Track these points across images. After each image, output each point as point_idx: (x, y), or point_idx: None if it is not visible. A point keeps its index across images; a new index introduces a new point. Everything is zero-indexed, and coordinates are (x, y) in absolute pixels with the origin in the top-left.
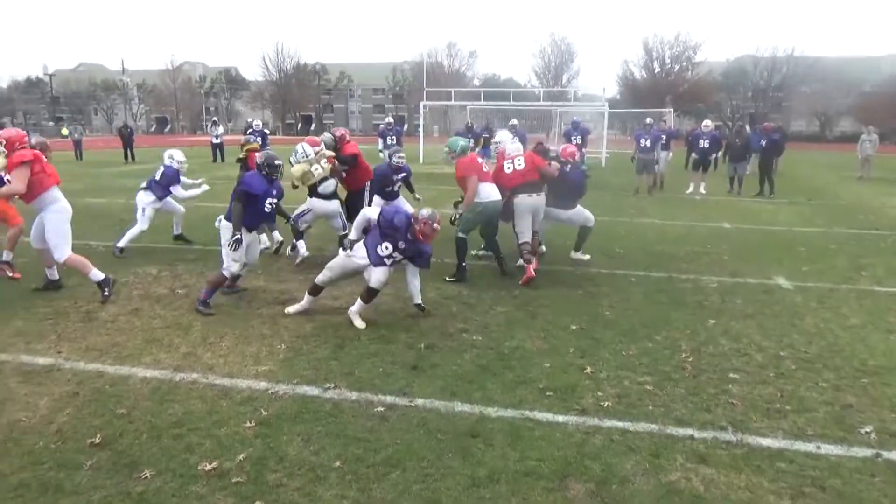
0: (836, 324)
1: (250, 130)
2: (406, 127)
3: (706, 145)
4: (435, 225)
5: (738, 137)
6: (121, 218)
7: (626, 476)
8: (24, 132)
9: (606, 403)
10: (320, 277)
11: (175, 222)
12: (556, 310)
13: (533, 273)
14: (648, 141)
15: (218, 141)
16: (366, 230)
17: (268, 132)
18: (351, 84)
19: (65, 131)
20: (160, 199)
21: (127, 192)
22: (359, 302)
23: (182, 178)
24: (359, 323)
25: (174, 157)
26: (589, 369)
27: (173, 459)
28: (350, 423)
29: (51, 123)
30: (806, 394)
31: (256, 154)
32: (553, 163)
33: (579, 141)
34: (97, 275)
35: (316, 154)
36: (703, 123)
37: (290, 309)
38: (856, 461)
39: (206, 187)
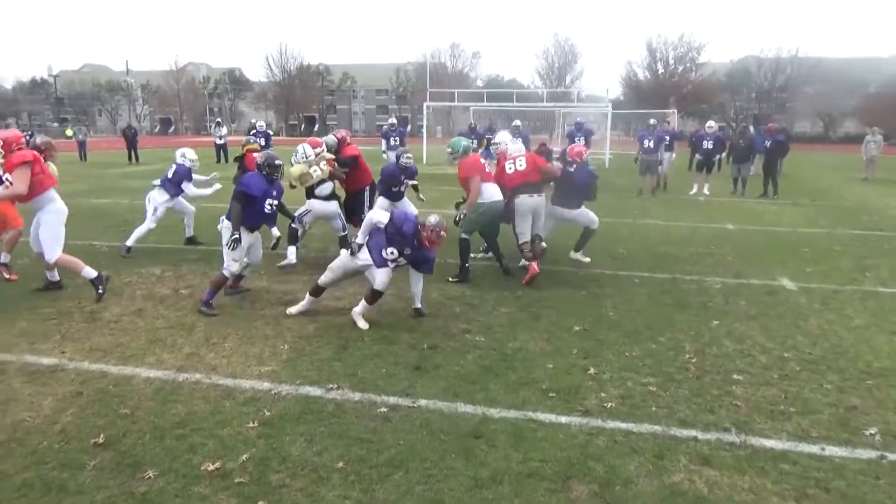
0: (841, 325)
1: (254, 131)
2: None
3: (710, 146)
4: (442, 233)
5: (741, 138)
6: (124, 218)
7: (629, 477)
8: (22, 133)
9: (610, 405)
10: (323, 279)
11: (186, 224)
12: (559, 311)
13: (537, 269)
14: (652, 142)
15: (222, 142)
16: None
17: (271, 133)
18: (354, 85)
19: (69, 132)
20: (173, 197)
21: (131, 193)
22: (362, 303)
23: (194, 176)
24: (362, 324)
25: (186, 155)
26: (592, 370)
27: (176, 460)
28: (353, 424)
29: (55, 124)
30: (810, 395)
31: (257, 154)
32: (555, 163)
33: (582, 142)
34: (90, 272)
35: (316, 156)
36: (707, 124)
37: (292, 310)
38: (860, 463)
39: (218, 185)
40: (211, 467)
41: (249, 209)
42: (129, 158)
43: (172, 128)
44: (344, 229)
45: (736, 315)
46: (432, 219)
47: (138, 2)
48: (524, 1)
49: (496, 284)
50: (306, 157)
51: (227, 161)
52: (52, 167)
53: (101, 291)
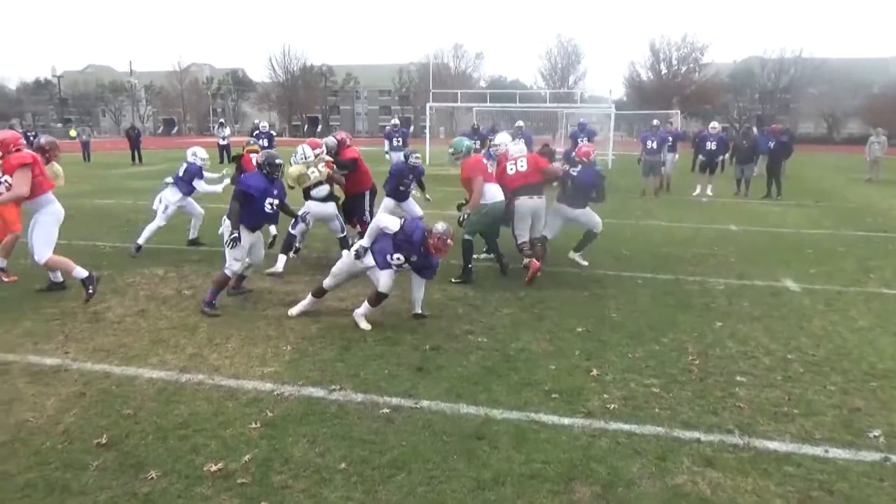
0: (845, 326)
1: (257, 132)
2: (412, 128)
3: (713, 147)
4: (449, 241)
5: (745, 139)
6: (127, 219)
7: (632, 479)
8: (20, 134)
9: (612, 406)
10: (327, 282)
11: (192, 226)
12: (562, 312)
13: (538, 264)
14: (655, 143)
15: (225, 142)
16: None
17: (274, 134)
18: (357, 86)
19: (73, 133)
20: (186, 195)
21: (134, 194)
22: (365, 305)
23: (204, 174)
24: (364, 325)
25: (197, 154)
26: (595, 371)
27: (179, 460)
28: (355, 425)
29: (59, 125)
30: (814, 397)
31: (258, 153)
32: (557, 163)
33: (586, 142)
34: (80, 272)
35: (316, 157)
36: (710, 125)
37: (294, 311)
38: (864, 465)
39: (227, 181)
40: (213, 468)
41: (249, 208)
42: (133, 159)
43: (176, 128)
44: (342, 231)
45: (739, 316)
46: (440, 226)
47: (142, 2)
48: (527, 2)
49: (499, 285)
50: (305, 159)
51: (230, 161)
52: (57, 168)
53: (90, 292)
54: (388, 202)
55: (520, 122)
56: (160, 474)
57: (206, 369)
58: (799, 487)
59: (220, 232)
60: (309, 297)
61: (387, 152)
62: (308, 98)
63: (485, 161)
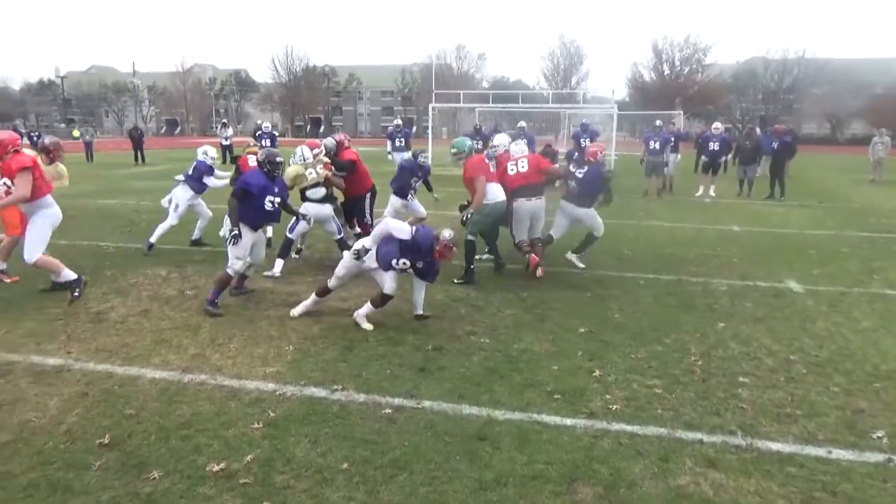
0: (848, 327)
1: (259, 132)
2: (415, 129)
3: (716, 148)
4: (454, 249)
5: (748, 140)
6: (130, 219)
7: (634, 480)
8: (18, 135)
9: (615, 407)
10: (332, 283)
11: (198, 227)
12: (564, 312)
13: (537, 258)
14: (657, 143)
15: (227, 143)
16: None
17: (277, 134)
18: (360, 86)
19: (76, 133)
20: (196, 193)
21: (137, 194)
22: (368, 306)
23: (215, 171)
24: (366, 325)
25: (208, 153)
26: (597, 372)
27: (181, 460)
28: (357, 425)
29: (62, 125)
30: (817, 398)
31: (253, 155)
32: (558, 164)
33: (588, 143)
34: (68, 274)
35: (314, 158)
36: (713, 126)
37: (296, 311)
38: (867, 466)
39: (227, 181)
40: (216, 468)
41: (249, 205)
42: (136, 159)
43: (179, 129)
44: (339, 232)
45: (742, 317)
46: (447, 233)
47: (145, 3)
48: (530, 2)
49: (501, 286)
50: (304, 160)
51: (233, 162)
52: (61, 168)
53: (76, 294)
54: (395, 200)
55: (522, 123)
56: (162, 474)
57: (208, 369)
58: (802, 489)
59: (221, 234)
60: (312, 296)
61: (389, 153)
62: (311, 99)
63: (487, 161)
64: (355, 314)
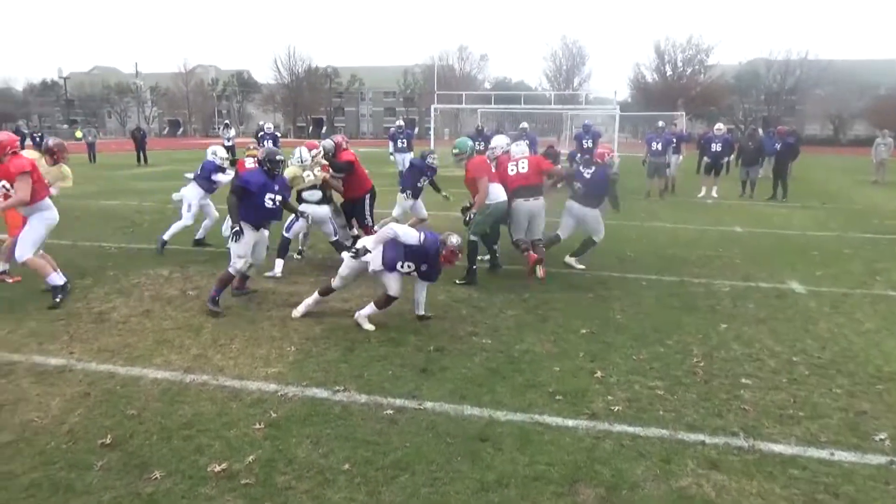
0: (850, 329)
1: (261, 133)
2: (417, 130)
3: (718, 149)
4: (460, 255)
5: (750, 141)
6: (133, 220)
7: (636, 481)
8: (16, 137)
9: (617, 408)
10: (336, 283)
11: (203, 226)
12: (566, 313)
13: (535, 256)
14: (660, 144)
15: (230, 144)
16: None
17: (279, 135)
18: (362, 87)
19: (79, 134)
20: (207, 192)
21: (140, 195)
22: (371, 306)
23: (226, 170)
24: (367, 326)
25: (217, 153)
26: (599, 373)
27: (183, 461)
28: (359, 426)
29: (65, 126)
30: (819, 400)
31: (257, 155)
32: (561, 165)
33: (590, 144)
34: (55, 279)
35: (312, 159)
36: (716, 127)
37: (297, 312)
38: (870, 468)
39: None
40: (217, 468)
41: (249, 202)
42: (138, 160)
43: (181, 130)
44: (335, 234)
45: (744, 318)
46: (454, 239)
47: (148, 5)
48: (532, 3)
49: (503, 287)
50: (301, 162)
51: (232, 165)
52: (65, 169)
53: (57, 300)
54: (404, 200)
55: (524, 124)
56: (164, 474)
57: (210, 370)
58: (804, 490)
59: (224, 234)
60: (315, 294)
61: (391, 154)
62: (313, 99)
63: (488, 161)
64: (357, 315)
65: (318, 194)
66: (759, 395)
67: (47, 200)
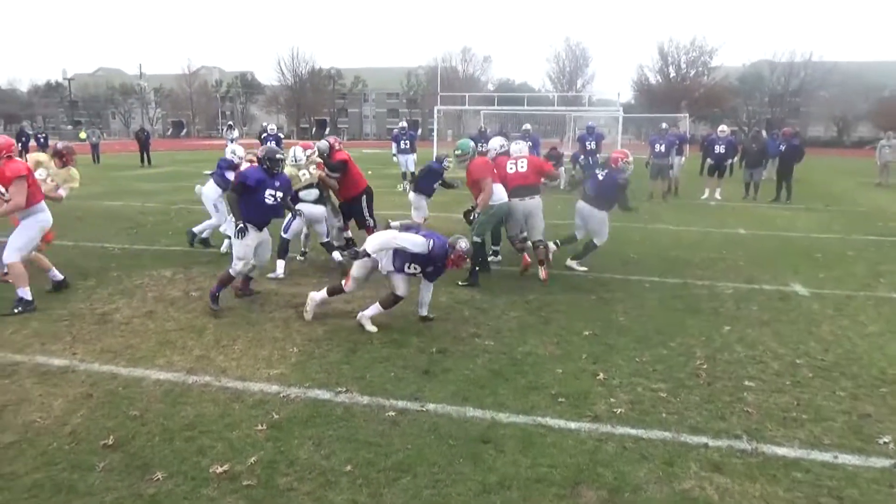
0: (854, 332)
1: (265, 135)
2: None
3: (722, 150)
4: (468, 259)
5: (754, 143)
6: (136, 221)
7: (639, 484)
8: (13, 141)
9: (619, 410)
10: (350, 287)
11: (196, 227)
12: (569, 315)
13: (529, 261)
14: (663, 146)
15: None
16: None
17: (282, 136)
18: (365, 88)
19: (83, 135)
20: (224, 189)
21: (143, 195)
22: (375, 306)
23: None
24: (370, 327)
25: (236, 152)
26: (602, 376)
27: (185, 462)
28: (361, 428)
29: (69, 127)
30: (823, 402)
31: (254, 161)
32: (565, 167)
33: (594, 146)
34: (26, 293)
35: (307, 158)
36: (719, 128)
37: (308, 315)
38: (874, 471)
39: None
40: (219, 470)
41: (250, 199)
42: (142, 161)
43: (185, 131)
44: (327, 235)
45: (748, 321)
46: (463, 244)
47: (152, 6)
48: (536, 5)
49: (506, 288)
50: (296, 161)
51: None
52: (73, 171)
53: (15, 311)
54: (416, 198)
55: (527, 126)
56: (166, 476)
57: (212, 371)
58: (807, 494)
59: (224, 232)
60: (323, 292)
61: (394, 155)
62: (316, 101)
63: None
64: (359, 316)
65: (314, 193)
66: (762, 398)
67: (42, 204)
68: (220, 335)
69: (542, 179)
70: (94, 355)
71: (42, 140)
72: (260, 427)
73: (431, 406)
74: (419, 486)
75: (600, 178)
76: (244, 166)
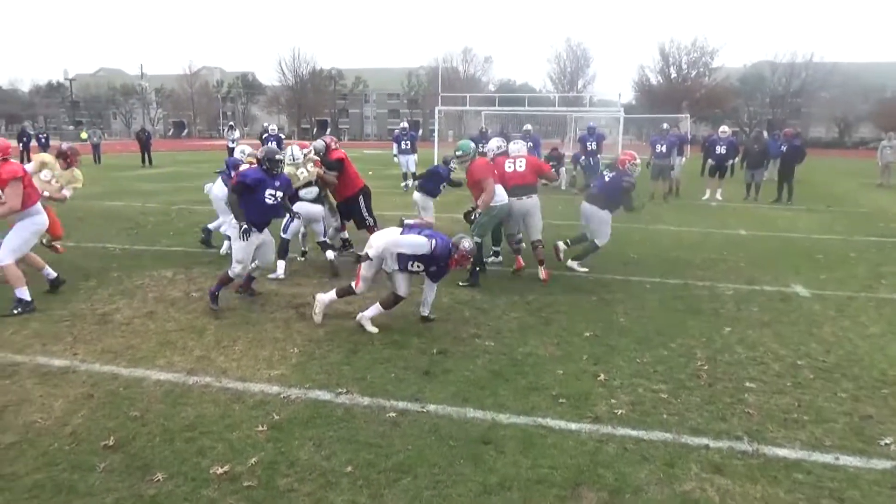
0: (855, 333)
1: (266, 135)
2: (421, 132)
3: (723, 151)
4: (472, 259)
5: (755, 143)
6: (137, 221)
7: (639, 485)
8: (8, 143)
9: (620, 411)
10: (360, 288)
11: (212, 224)
12: (569, 316)
13: (522, 263)
14: (664, 146)
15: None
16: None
17: (283, 137)
18: (366, 89)
19: (84, 135)
20: None
21: (144, 196)
22: (376, 307)
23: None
24: (371, 328)
25: (245, 151)
26: (602, 376)
27: (185, 463)
28: (362, 429)
29: (71, 127)
30: (824, 404)
31: (253, 163)
32: (567, 167)
33: (595, 146)
34: (23, 293)
35: (304, 157)
36: (720, 129)
37: (318, 318)
38: (875, 473)
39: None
40: (220, 471)
41: (250, 199)
42: (143, 161)
43: (186, 131)
44: (323, 234)
45: (749, 322)
46: (466, 244)
47: (153, 7)
48: (537, 6)
49: (506, 289)
50: (293, 160)
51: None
52: (77, 172)
53: (16, 312)
54: (423, 199)
55: (528, 126)
56: (166, 476)
57: (213, 372)
58: (809, 495)
59: (224, 233)
60: (332, 293)
61: (395, 155)
62: (317, 101)
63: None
64: (359, 316)
65: (314, 191)
66: (763, 399)
67: (38, 206)
68: (221, 336)
69: (540, 180)
70: (95, 356)
71: (43, 140)
72: (260, 428)
73: (432, 407)
74: (420, 486)
75: (607, 179)
76: (244, 167)
